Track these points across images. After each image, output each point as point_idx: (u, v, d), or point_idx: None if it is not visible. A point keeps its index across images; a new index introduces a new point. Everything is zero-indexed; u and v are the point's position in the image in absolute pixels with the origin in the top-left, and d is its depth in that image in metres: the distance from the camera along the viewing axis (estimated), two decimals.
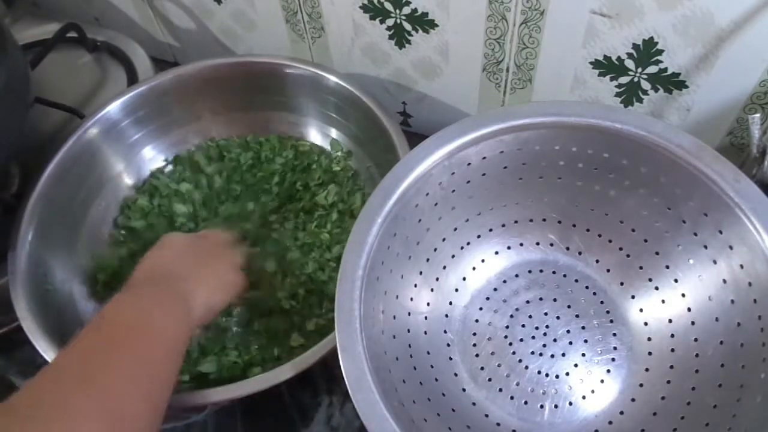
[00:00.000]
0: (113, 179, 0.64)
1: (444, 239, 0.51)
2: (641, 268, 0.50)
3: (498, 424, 0.48)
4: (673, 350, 0.48)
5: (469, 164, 0.48)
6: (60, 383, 0.36)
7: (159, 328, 0.42)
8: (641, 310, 0.50)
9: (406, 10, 0.56)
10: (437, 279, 0.52)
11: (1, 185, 0.58)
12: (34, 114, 0.59)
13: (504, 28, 0.54)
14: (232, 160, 0.66)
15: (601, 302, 0.51)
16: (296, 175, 0.64)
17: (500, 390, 0.49)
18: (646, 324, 0.50)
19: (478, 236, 0.53)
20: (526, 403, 0.48)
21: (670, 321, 0.48)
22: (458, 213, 0.51)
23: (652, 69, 0.51)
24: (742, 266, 0.43)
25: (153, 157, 0.66)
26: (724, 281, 0.45)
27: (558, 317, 0.51)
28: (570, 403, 0.48)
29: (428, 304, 0.51)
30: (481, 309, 0.52)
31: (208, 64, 0.64)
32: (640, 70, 0.52)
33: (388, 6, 0.57)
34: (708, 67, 0.49)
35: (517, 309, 0.52)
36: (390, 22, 0.59)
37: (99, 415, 0.35)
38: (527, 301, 0.52)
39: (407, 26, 0.58)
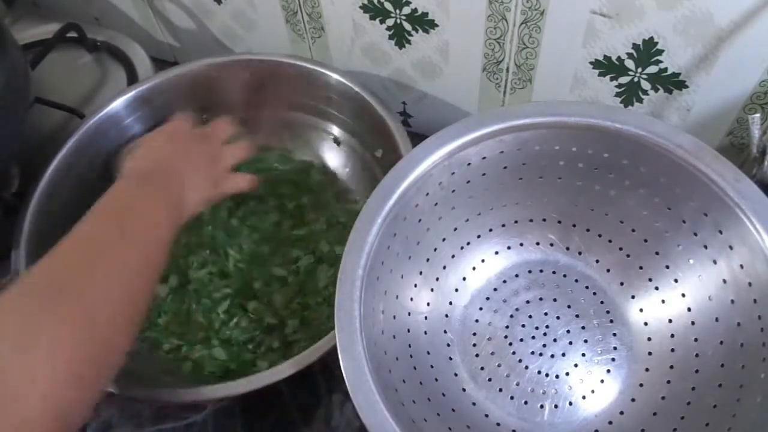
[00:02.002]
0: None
1: (444, 239, 0.52)
2: (641, 268, 0.50)
3: (498, 424, 0.48)
4: (673, 350, 0.48)
5: (469, 164, 0.48)
6: (35, 291, 0.36)
7: (148, 222, 0.44)
8: (641, 310, 0.50)
9: (406, 10, 0.56)
10: (437, 279, 0.52)
11: (1, 185, 0.58)
12: (34, 114, 0.59)
13: (504, 28, 0.54)
14: None
15: (601, 302, 0.51)
16: None
17: (500, 390, 0.49)
18: (646, 324, 0.50)
19: (478, 236, 0.53)
20: (526, 403, 0.48)
21: (670, 321, 0.48)
22: (458, 213, 0.51)
23: (652, 69, 0.51)
24: (742, 266, 0.43)
25: None
26: (724, 281, 0.45)
27: (558, 317, 0.51)
28: (570, 403, 0.48)
29: (428, 304, 0.51)
30: (481, 309, 0.52)
31: (208, 63, 0.64)
32: (640, 70, 0.52)
33: (388, 6, 0.57)
34: (708, 67, 0.49)
35: (517, 309, 0.52)
36: (390, 22, 0.59)
37: (69, 320, 0.34)
38: (527, 301, 0.52)
39: (407, 26, 0.58)
